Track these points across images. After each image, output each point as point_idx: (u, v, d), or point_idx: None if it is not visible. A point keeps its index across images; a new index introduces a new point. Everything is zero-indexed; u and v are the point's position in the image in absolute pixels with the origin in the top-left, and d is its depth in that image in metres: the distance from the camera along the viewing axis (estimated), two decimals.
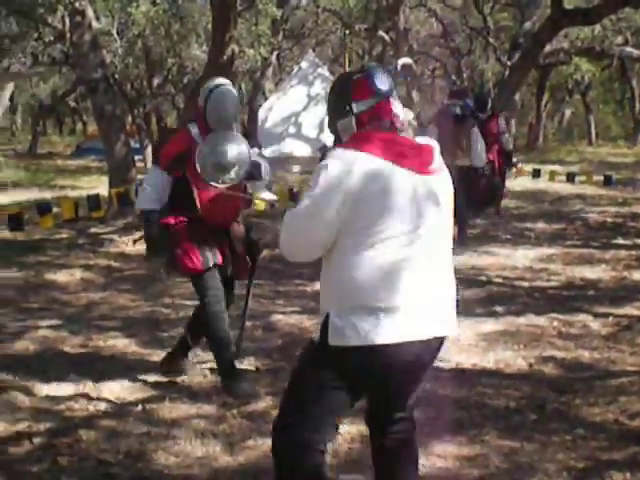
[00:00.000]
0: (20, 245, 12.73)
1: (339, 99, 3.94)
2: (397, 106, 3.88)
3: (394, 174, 3.66)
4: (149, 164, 18.95)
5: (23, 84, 43.14)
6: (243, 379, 6.40)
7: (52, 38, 29.19)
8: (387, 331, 3.62)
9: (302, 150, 25.72)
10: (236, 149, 6.20)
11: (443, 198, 3.82)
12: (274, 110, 27.50)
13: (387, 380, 3.81)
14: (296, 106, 27.17)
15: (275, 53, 29.09)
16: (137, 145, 25.75)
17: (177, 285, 9.73)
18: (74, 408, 5.97)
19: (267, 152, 25.97)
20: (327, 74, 29.12)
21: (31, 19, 26.05)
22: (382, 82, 3.87)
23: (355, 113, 3.87)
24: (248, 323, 8.01)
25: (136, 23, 23.79)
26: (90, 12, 14.57)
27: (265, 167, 6.50)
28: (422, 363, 3.84)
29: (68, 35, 22.45)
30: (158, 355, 6.92)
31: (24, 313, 8.73)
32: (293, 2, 29.71)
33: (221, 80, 6.66)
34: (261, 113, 27.42)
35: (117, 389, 6.34)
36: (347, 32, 30.45)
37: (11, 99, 37.62)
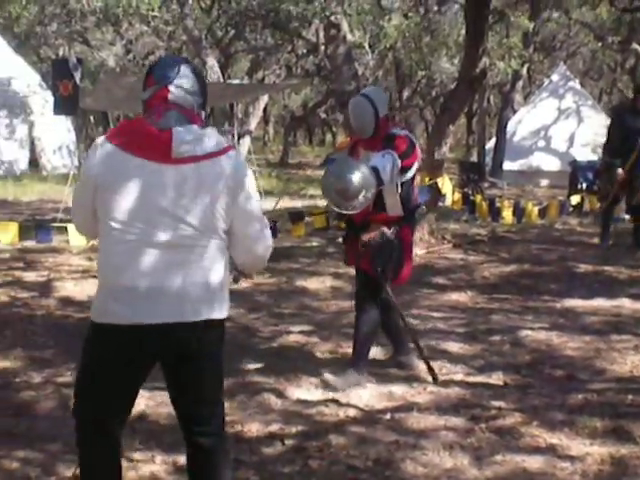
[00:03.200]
0: (273, 252, 13.05)
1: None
2: (175, 93, 3.86)
3: (128, 163, 3.74)
4: None
5: (276, 96, 44.44)
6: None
7: (305, 50, 30.12)
8: (122, 311, 3.77)
9: (551, 164, 25.38)
10: (359, 174, 6.12)
11: (192, 187, 3.77)
12: (523, 123, 27.29)
13: (145, 361, 3.94)
14: (546, 119, 26.83)
15: (526, 66, 28.75)
16: None
17: (425, 296, 9.83)
18: (324, 413, 6.10)
19: (515, 165, 25.83)
20: (578, 87, 28.63)
21: (286, 32, 26.93)
22: (161, 69, 3.93)
23: (142, 101, 3.95)
24: (496, 337, 8.02)
25: (388, 36, 24.10)
26: (345, 25, 14.88)
27: (382, 167, 6.26)
28: (171, 348, 3.87)
29: (322, 48, 23.10)
30: (407, 365, 6.97)
31: (276, 318, 8.99)
32: (545, 14, 29.27)
33: (365, 89, 7.36)
34: (510, 126, 27.20)
35: (366, 396, 6.43)
36: (599, 45, 29.83)
37: (264, 110, 38.88)
